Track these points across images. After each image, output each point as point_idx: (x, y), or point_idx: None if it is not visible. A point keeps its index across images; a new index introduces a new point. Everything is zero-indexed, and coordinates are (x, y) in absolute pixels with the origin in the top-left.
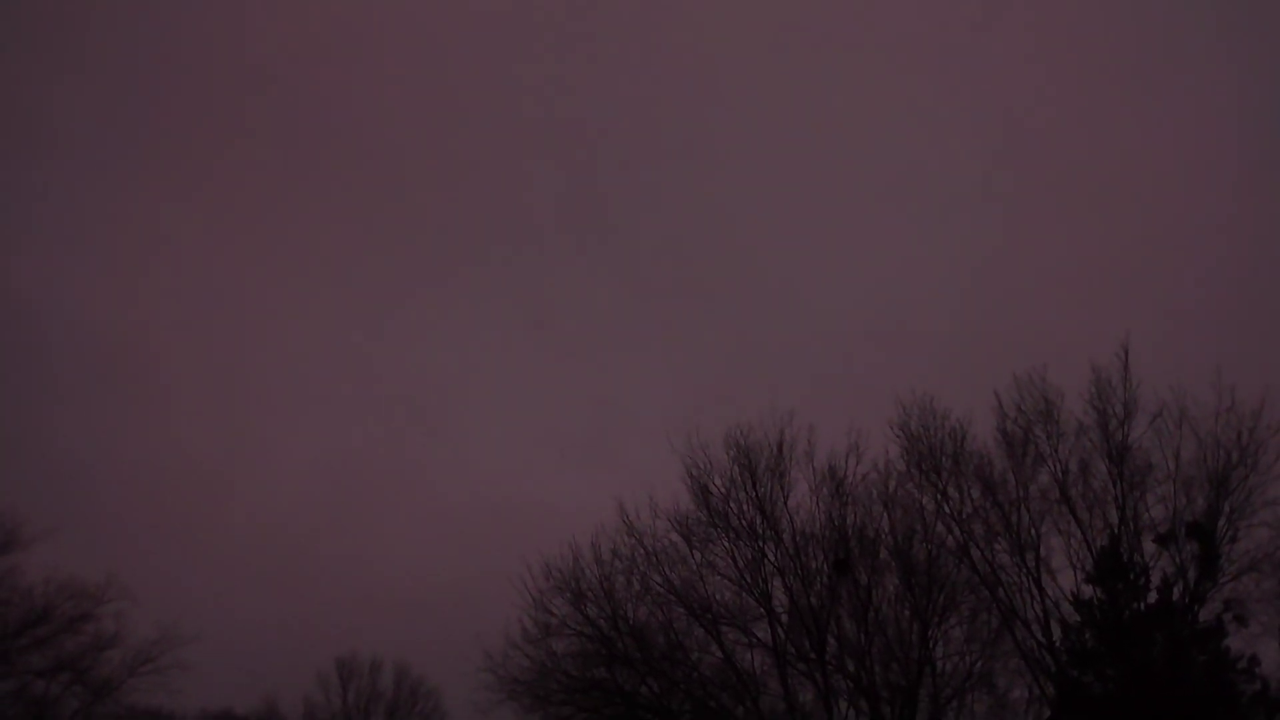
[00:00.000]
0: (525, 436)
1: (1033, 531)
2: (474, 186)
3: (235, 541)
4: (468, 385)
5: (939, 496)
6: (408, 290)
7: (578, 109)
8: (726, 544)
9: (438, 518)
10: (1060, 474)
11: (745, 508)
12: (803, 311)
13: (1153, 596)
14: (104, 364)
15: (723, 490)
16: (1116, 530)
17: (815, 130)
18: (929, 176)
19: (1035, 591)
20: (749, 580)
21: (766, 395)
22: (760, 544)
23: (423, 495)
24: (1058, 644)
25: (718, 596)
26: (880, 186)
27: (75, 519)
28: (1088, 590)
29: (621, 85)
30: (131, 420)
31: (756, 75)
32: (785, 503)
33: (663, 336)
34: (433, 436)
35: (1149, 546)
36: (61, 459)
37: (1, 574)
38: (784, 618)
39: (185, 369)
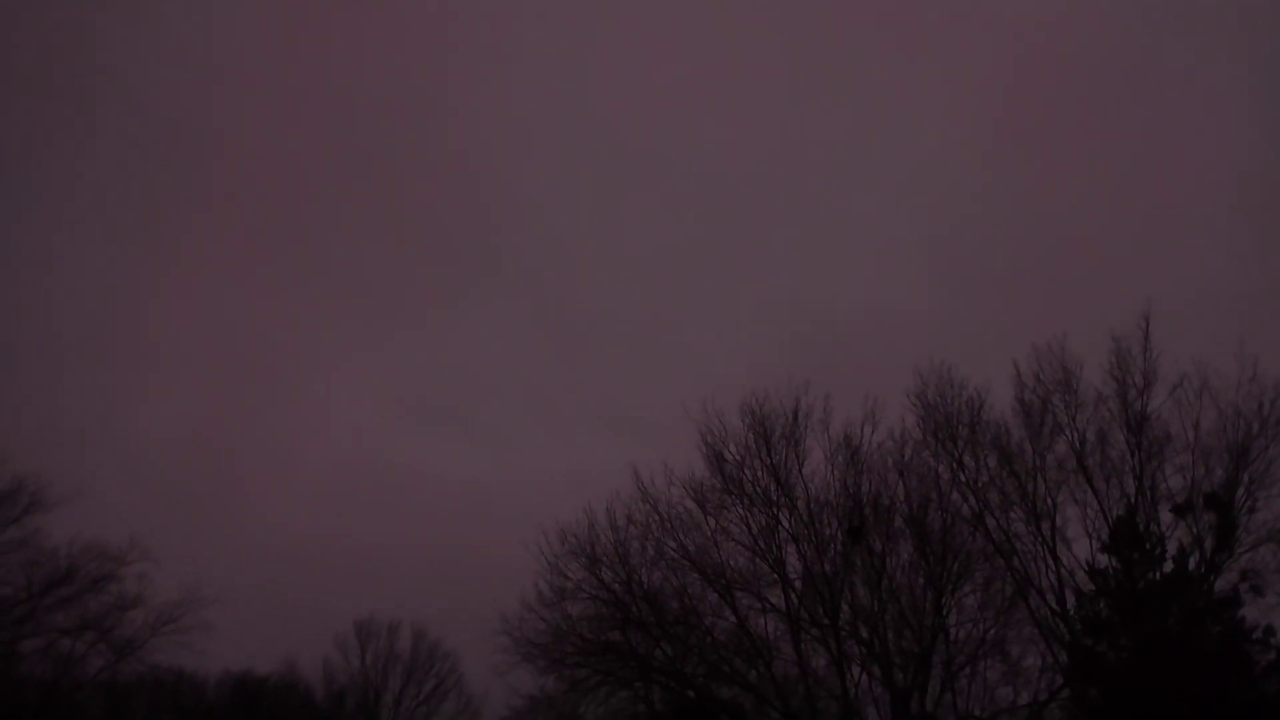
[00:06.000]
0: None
1: (1049, 500)
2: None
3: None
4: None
5: (955, 465)
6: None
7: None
8: (741, 511)
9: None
10: (1078, 443)
11: (760, 475)
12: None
13: (1168, 566)
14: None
15: (737, 458)
16: (1133, 500)
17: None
18: (945, 148)
19: (1050, 560)
20: (763, 547)
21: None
22: (774, 511)
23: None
24: (1072, 613)
25: (732, 562)
26: (894, 158)
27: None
28: (1103, 559)
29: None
30: None
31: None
32: (800, 470)
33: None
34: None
35: (1166, 516)
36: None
37: (27, 535)
38: (798, 584)
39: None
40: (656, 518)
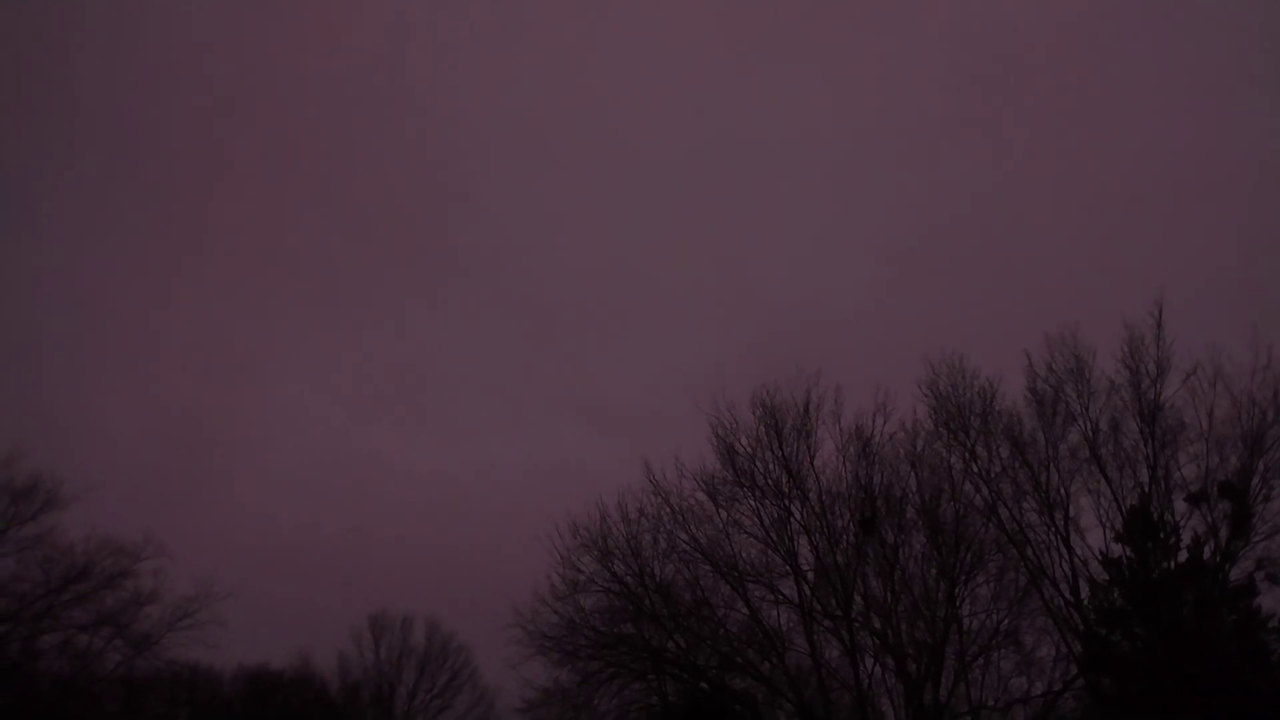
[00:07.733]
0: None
1: (1062, 490)
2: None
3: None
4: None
5: (967, 455)
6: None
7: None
8: (752, 503)
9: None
10: (1091, 433)
11: (771, 467)
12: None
13: (1183, 555)
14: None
15: (749, 450)
16: (1147, 489)
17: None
18: (945, 141)
19: (1063, 550)
20: (775, 539)
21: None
22: (786, 503)
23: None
24: (1086, 602)
25: (744, 554)
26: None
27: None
28: (1117, 549)
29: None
30: None
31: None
32: (812, 462)
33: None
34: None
35: (1180, 506)
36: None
37: (43, 532)
38: (810, 575)
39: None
40: (668, 510)
